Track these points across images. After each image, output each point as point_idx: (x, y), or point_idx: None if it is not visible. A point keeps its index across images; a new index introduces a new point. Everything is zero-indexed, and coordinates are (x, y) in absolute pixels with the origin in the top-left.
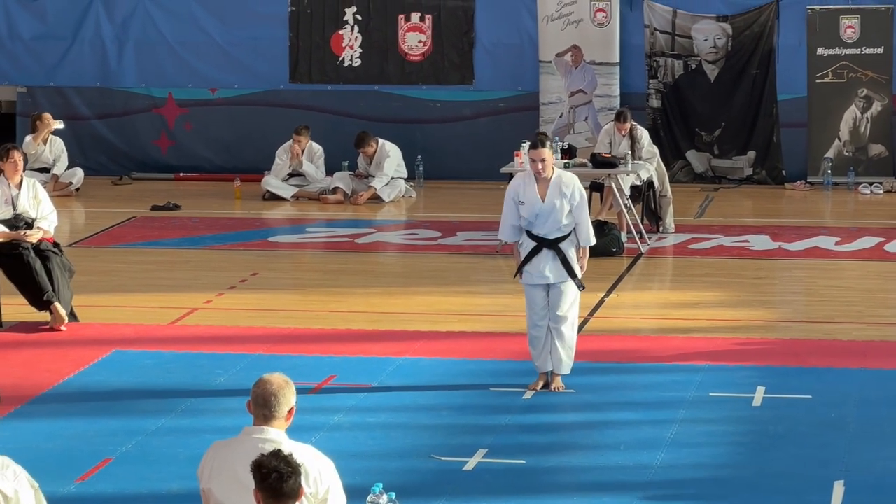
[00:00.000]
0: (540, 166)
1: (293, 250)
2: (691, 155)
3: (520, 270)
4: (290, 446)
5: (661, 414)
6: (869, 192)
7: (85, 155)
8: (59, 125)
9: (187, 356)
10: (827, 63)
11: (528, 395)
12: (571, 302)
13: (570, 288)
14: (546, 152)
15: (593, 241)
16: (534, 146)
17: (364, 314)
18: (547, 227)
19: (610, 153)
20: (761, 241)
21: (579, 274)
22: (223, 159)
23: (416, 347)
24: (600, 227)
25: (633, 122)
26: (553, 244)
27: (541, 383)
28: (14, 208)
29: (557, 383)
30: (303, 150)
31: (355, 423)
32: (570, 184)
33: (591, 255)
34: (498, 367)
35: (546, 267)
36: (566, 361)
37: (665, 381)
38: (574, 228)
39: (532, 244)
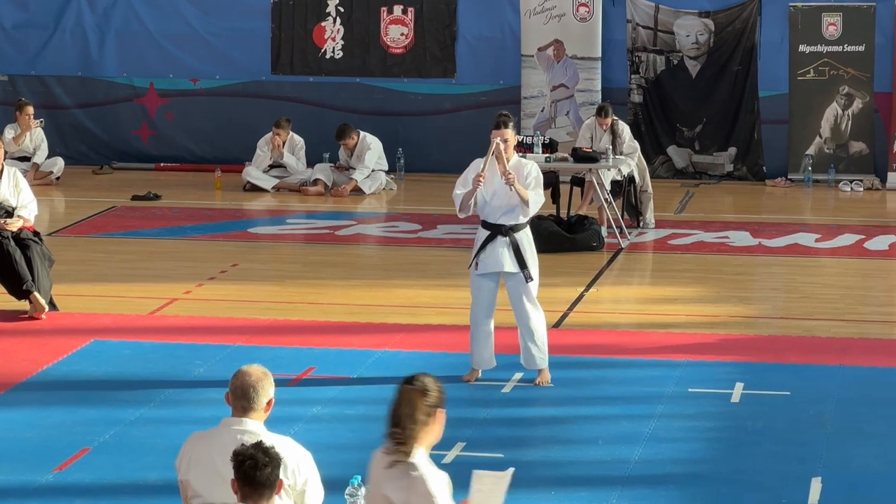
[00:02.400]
0: (502, 146)
1: (273, 241)
2: (672, 150)
3: (475, 261)
4: (268, 438)
5: (640, 409)
6: (849, 189)
7: (66, 144)
8: (38, 127)
9: (166, 346)
10: (809, 60)
11: (507, 387)
12: (534, 293)
13: (535, 275)
14: (509, 133)
15: (530, 214)
16: (497, 126)
17: (344, 306)
18: (502, 209)
19: (591, 148)
20: (741, 238)
21: (531, 265)
22: (204, 150)
23: (395, 340)
24: (581, 221)
25: (615, 117)
26: (507, 232)
27: (476, 375)
28: None
29: (544, 377)
30: (284, 142)
31: (334, 415)
32: (528, 167)
33: (571, 250)
34: None
35: (501, 254)
36: (540, 356)
37: (644, 376)
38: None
39: (486, 233)
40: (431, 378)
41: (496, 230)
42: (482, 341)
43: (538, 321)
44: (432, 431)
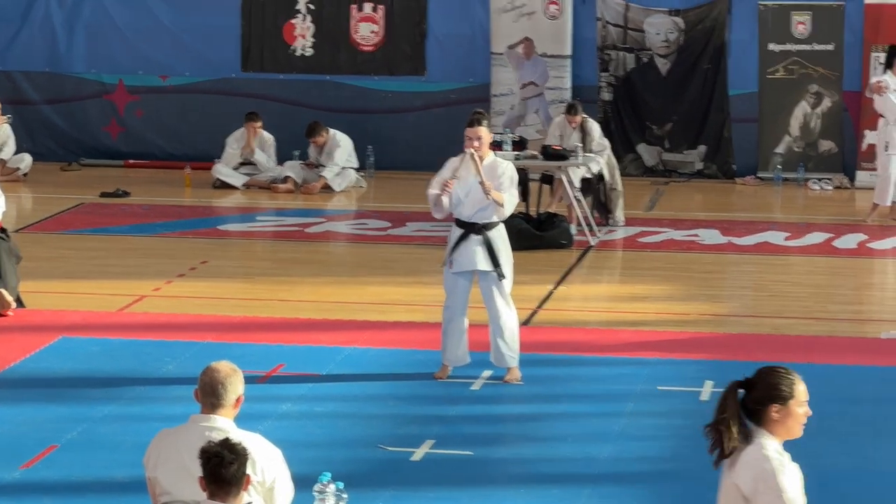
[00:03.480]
0: (476, 144)
1: (243, 239)
2: (642, 148)
3: (449, 259)
4: (237, 435)
5: (610, 406)
6: (818, 188)
7: (33, 140)
8: (6, 122)
9: (135, 343)
10: (778, 59)
11: (477, 385)
12: (508, 290)
13: (509, 274)
14: (482, 131)
15: (505, 215)
16: (470, 124)
17: (313, 303)
18: (476, 207)
19: (561, 146)
20: (711, 236)
21: (504, 264)
22: (173, 147)
23: (364, 337)
24: (550, 219)
25: (584, 115)
26: (480, 231)
27: (447, 372)
28: None
29: (513, 375)
30: (254, 139)
31: (303, 413)
32: (503, 167)
33: (541, 248)
34: None
35: (474, 252)
36: (510, 355)
37: (613, 373)
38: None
39: (459, 232)
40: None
41: (469, 228)
42: (456, 338)
43: (510, 319)
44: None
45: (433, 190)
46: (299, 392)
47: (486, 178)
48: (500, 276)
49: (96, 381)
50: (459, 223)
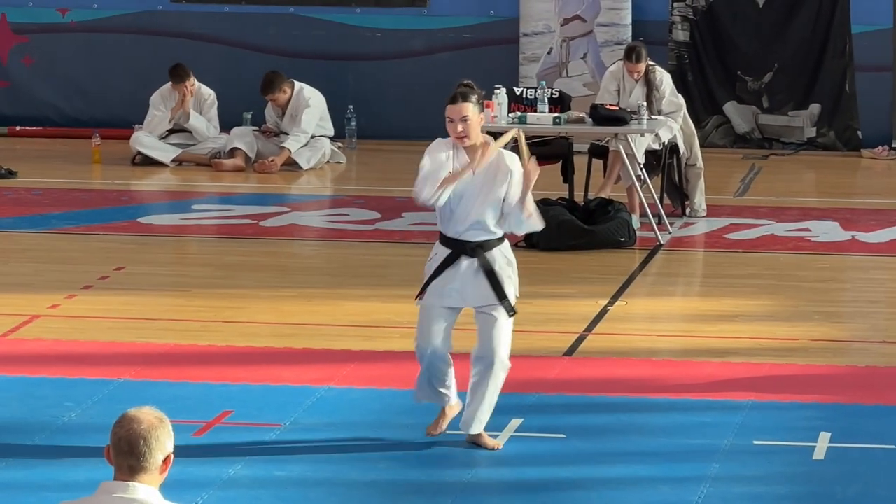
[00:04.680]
0: (460, 128)
1: (174, 236)
2: (731, 109)
3: (423, 290)
4: None
5: (686, 469)
6: None
7: None
8: None
9: (24, 382)
10: None
11: (501, 440)
12: (508, 336)
13: (503, 316)
14: (468, 108)
15: (537, 227)
16: (452, 100)
17: (272, 326)
18: (469, 220)
19: (618, 105)
20: (827, 230)
21: (511, 296)
22: (77, 108)
23: (343, 373)
24: (603, 207)
25: (651, 63)
26: (474, 252)
27: (448, 418)
28: None
29: (484, 443)
30: (190, 96)
31: (258, 479)
32: (514, 167)
33: (590, 247)
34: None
35: (461, 282)
36: (481, 418)
37: (692, 422)
38: (507, 221)
39: (445, 252)
40: None
41: (459, 249)
42: (444, 376)
43: (504, 372)
44: None
45: (428, 188)
46: (253, 450)
47: (487, 176)
48: (510, 311)
49: None
50: (445, 240)
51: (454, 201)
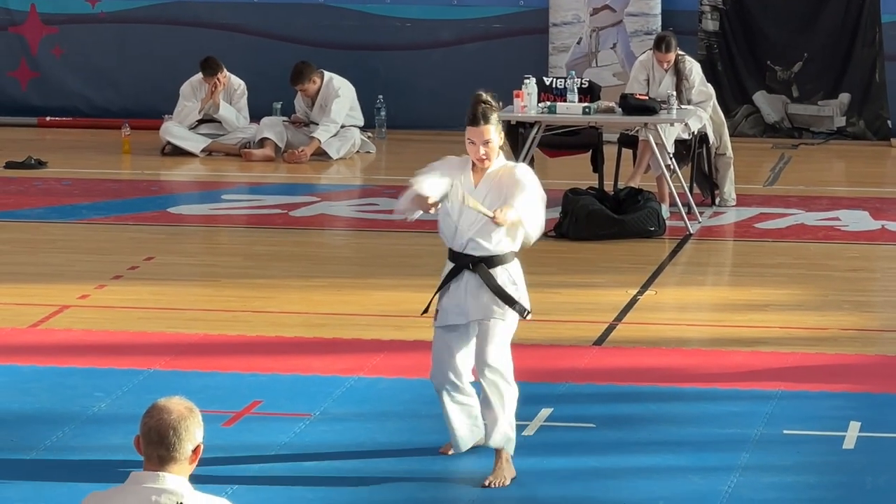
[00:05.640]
0: (482, 151)
1: (204, 225)
2: (760, 98)
3: (430, 307)
4: (194, 500)
5: (716, 459)
6: None
7: None
8: None
9: (54, 372)
10: None
11: (531, 429)
12: (502, 344)
13: (498, 325)
14: (490, 131)
15: (531, 238)
16: (473, 120)
17: (302, 315)
18: (471, 232)
19: (647, 94)
20: (857, 219)
21: (520, 297)
22: (106, 98)
23: (373, 363)
24: (633, 197)
25: (681, 52)
26: (476, 267)
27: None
28: None
29: (502, 473)
30: (221, 88)
31: (288, 469)
32: (521, 174)
33: (620, 237)
34: None
35: (463, 298)
36: (505, 432)
37: (721, 412)
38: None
39: (450, 267)
40: None
41: (462, 263)
42: (455, 414)
43: (508, 383)
44: None
45: (404, 202)
46: (282, 440)
47: (488, 195)
48: (523, 312)
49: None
50: (451, 254)
51: (455, 213)
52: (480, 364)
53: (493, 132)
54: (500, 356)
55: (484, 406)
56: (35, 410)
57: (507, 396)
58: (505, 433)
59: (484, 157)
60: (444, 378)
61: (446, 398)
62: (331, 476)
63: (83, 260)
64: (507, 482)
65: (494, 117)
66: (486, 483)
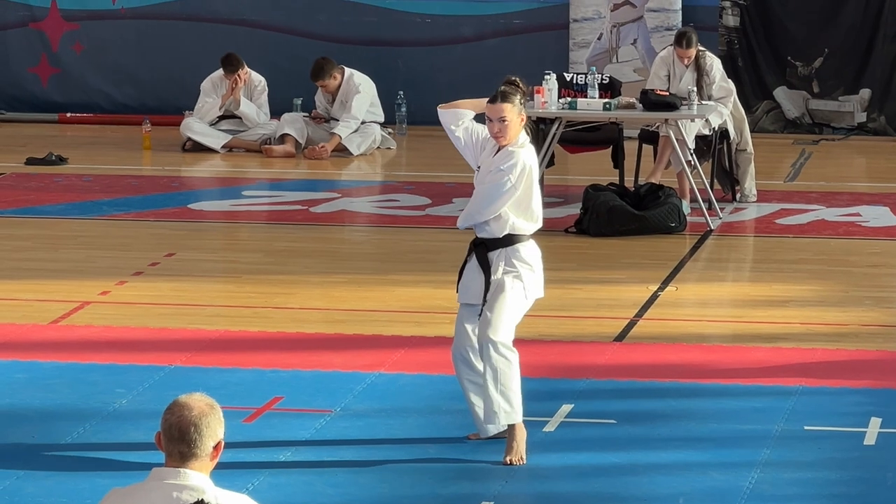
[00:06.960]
0: (497, 128)
1: (224, 221)
2: (781, 94)
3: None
4: (215, 496)
5: (737, 455)
6: None
7: None
8: None
9: (74, 368)
10: None
11: (552, 425)
12: (504, 313)
13: (499, 300)
14: (507, 109)
15: (461, 224)
16: (493, 99)
17: (322, 312)
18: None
19: (668, 90)
20: (878, 215)
21: (527, 280)
22: (127, 95)
23: (394, 359)
24: (653, 193)
25: (701, 48)
26: (480, 247)
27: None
28: None
29: (515, 448)
30: (241, 85)
31: (309, 465)
32: (518, 157)
33: (640, 232)
34: None
35: (473, 279)
36: (505, 409)
37: (742, 408)
38: (506, 222)
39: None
40: None
41: (473, 243)
42: (471, 393)
43: (504, 355)
44: None
45: (451, 116)
46: (303, 436)
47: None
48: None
49: (20, 419)
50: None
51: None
52: (481, 340)
53: (511, 111)
54: (503, 327)
55: (483, 388)
56: (56, 406)
57: (499, 370)
58: (499, 409)
59: (498, 133)
60: (458, 351)
61: (462, 375)
62: (352, 470)
63: (104, 256)
64: (524, 456)
65: (516, 99)
66: (507, 461)
